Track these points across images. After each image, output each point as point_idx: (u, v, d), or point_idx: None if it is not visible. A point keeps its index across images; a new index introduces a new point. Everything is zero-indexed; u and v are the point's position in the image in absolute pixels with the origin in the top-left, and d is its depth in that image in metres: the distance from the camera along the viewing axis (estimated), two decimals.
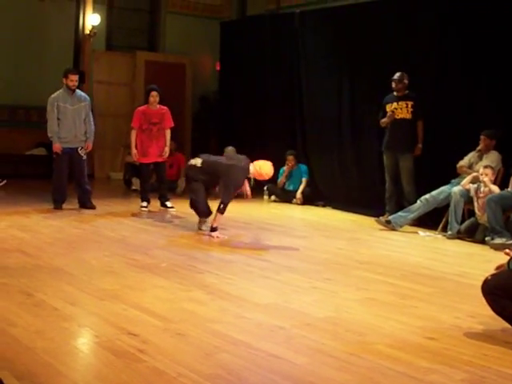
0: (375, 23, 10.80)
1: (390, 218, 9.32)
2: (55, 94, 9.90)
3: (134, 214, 9.77)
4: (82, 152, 9.99)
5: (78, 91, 10.03)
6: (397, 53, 10.34)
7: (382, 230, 9.27)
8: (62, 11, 14.24)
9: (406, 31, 10.27)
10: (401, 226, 9.20)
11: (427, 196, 9.06)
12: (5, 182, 11.54)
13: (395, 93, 9.86)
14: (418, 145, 9.71)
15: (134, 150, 10.17)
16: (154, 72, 14.97)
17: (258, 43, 13.41)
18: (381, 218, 9.47)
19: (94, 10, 14.23)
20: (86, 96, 10.21)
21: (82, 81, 13.79)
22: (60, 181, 9.90)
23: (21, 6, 13.96)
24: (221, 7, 16.35)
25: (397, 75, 9.77)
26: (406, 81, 9.77)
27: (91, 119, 10.16)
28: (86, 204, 10.02)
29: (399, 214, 9.30)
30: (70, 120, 9.86)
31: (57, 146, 9.79)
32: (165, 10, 15.98)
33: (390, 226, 9.20)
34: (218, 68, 15.14)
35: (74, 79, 9.85)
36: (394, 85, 9.81)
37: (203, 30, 15.72)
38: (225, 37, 14.63)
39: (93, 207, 9.98)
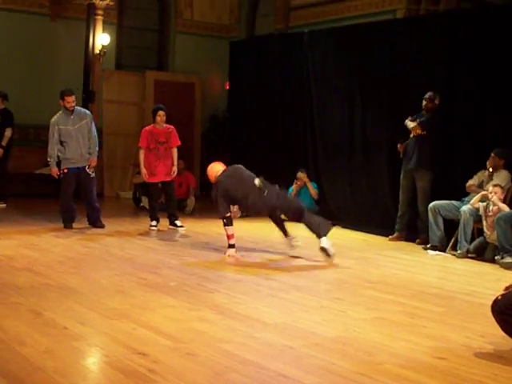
0: (385, 43, 10.80)
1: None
2: (55, 118, 9.90)
3: (142, 233, 9.79)
4: (89, 170, 10.01)
5: (77, 109, 9.98)
6: (408, 72, 10.34)
7: (391, 249, 9.26)
8: (72, 31, 14.37)
9: (416, 50, 10.26)
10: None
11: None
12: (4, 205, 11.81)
13: (424, 112, 9.75)
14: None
15: (143, 170, 10.17)
16: (163, 91, 15.06)
17: (267, 63, 13.44)
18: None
19: (104, 30, 14.33)
20: (86, 111, 10.20)
21: (91, 100, 13.90)
22: (67, 201, 9.91)
23: (32, 26, 14.11)
24: (230, 27, 16.46)
25: (428, 94, 9.64)
26: (436, 101, 9.61)
27: (94, 134, 10.10)
28: (95, 223, 10.03)
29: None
30: (74, 140, 9.85)
31: (54, 171, 9.85)
32: (174, 29, 16.11)
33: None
34: (227, 87, 15.20)
35: (70, 100, 9.79)
36: (424, 103, 9.68)
37: (212, 50, 15.82)
38: (234, 56, 14.68)
39: (102, 226, 10.00)
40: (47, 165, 13.92)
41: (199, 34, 16.18)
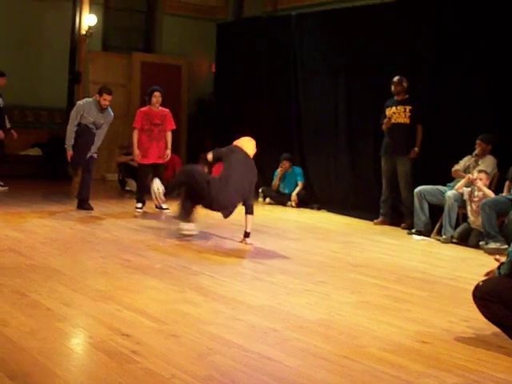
0: (372, 26, 10.80)
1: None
2: (83, 104, 9.81)
3: (128, 215, 9.76)
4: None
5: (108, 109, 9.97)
6: (394, 56, 10.35)
7: (376, 233, 9.29)
8: (58, 11, 14.21)
9: (403, 35, 10.28)
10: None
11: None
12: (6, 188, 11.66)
13: (395, 97, 9.86)
14: (415, 148, 9.70)
15: (136, 151, 10.12)
16: (150, 73, 14.97)
17: (254, 45, 13.40)
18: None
19: (91, 11, 14.18)
20: (111, 113, 10.05)
21: (77, 81, 13.83)
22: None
23: (16, 6, 13.93)
24: (217, 9, 16.35)
25: (396, 78, 9.80)
26: (404, 84, 9.77)
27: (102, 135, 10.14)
28: (83, 203, 10.02)
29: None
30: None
31: (69, 154, 9.78)
32: (161, 11, 15.97)
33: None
34: (213, 70, 15.14)
35: (108, 99, 9.74)
36: (392, 87, 9.82)
37: (199, 32, 15.72)
38: (221, 38, 14.63)
39: (90, 208, 9.98)
40: (33, 146, 13.93)
41: (187, 15, 16.04)
